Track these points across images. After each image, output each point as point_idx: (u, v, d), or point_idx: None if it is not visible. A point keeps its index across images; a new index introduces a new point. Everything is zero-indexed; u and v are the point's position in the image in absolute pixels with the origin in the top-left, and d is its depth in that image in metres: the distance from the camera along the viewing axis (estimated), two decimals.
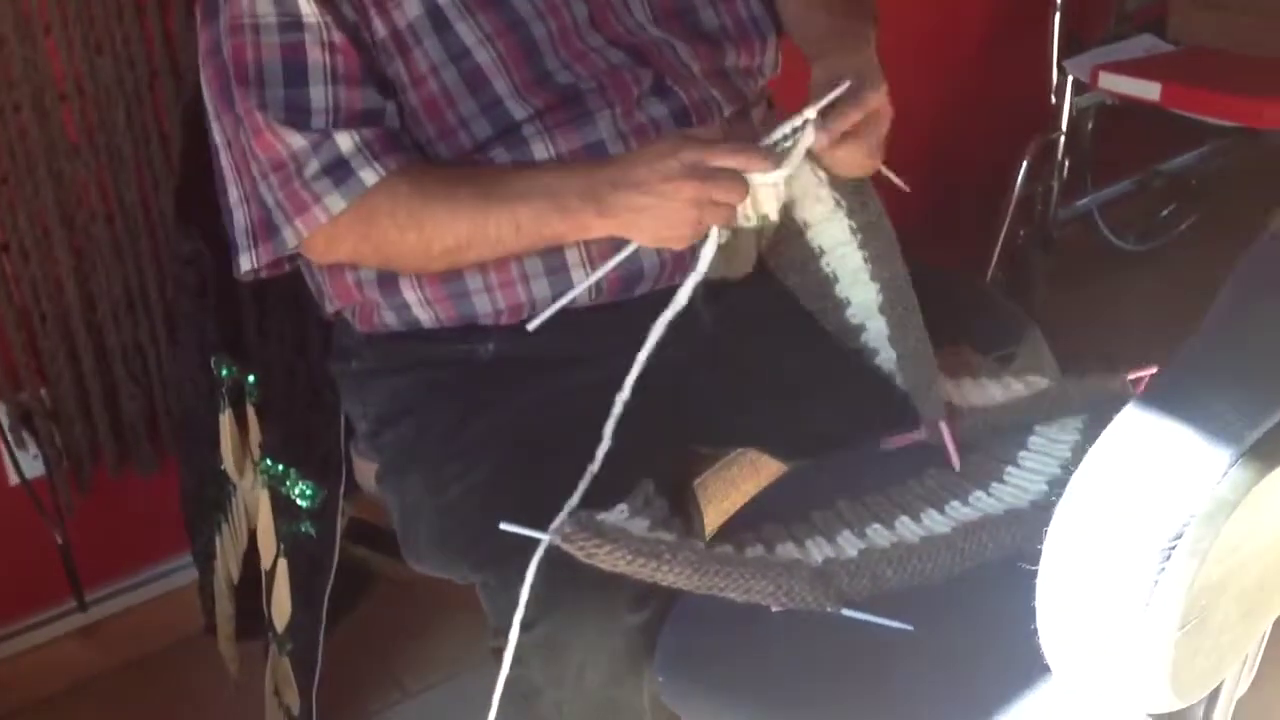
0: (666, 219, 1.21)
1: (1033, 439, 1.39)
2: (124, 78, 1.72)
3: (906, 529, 1.29)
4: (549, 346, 1.38)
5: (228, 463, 1.62)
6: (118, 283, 1.80)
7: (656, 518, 1.25)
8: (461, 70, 1.32)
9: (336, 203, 1.29)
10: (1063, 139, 2.70)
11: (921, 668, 1.18)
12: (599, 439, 1.33)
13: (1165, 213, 3.10)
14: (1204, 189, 3.08)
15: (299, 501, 1.58)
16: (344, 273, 1.41)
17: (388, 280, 1.39)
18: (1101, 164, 2.91)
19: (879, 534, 1.28)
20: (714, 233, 1.24)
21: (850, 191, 1.35)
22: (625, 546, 1.18)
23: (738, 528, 1.32)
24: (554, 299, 1.36)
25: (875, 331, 1.42)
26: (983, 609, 1.22)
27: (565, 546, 1.17)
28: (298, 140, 1.28)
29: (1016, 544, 1.25)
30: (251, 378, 1.57)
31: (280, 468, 1.58)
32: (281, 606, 1.61)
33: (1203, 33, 2.69)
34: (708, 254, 1.24)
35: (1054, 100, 2.69)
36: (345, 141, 1.28)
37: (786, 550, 1.26)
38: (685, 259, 1.38)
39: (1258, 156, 3.00)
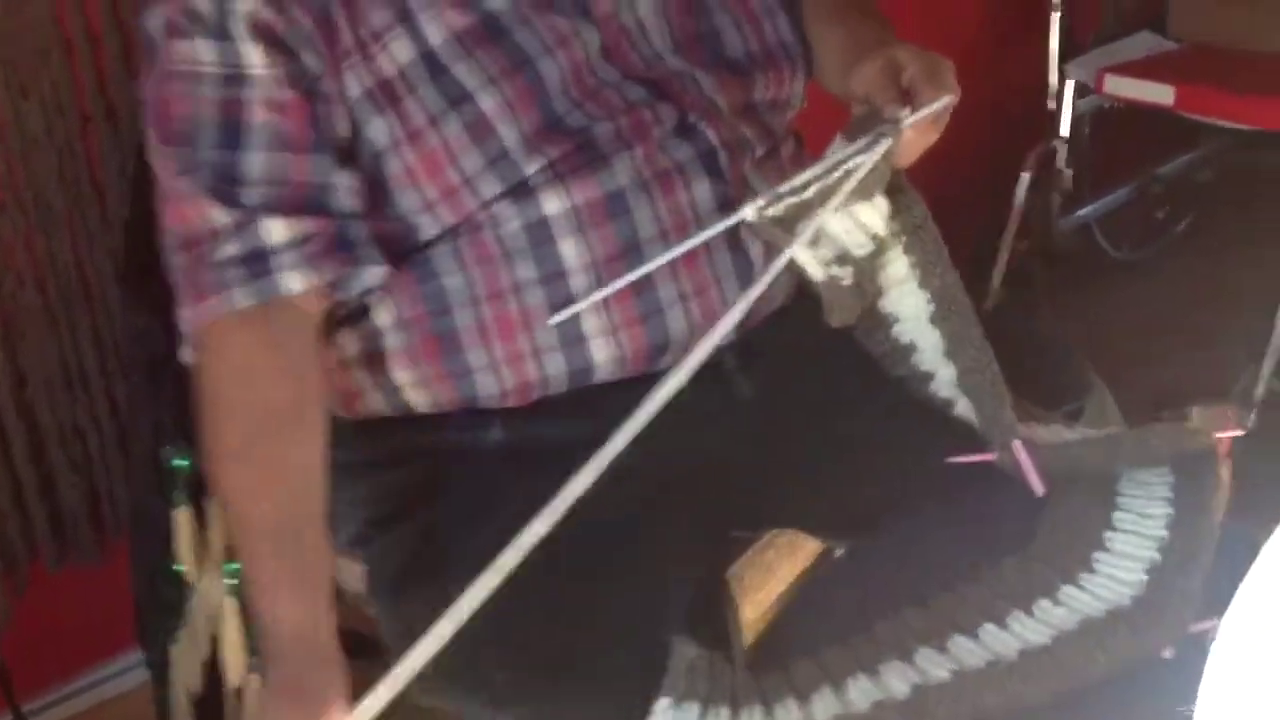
0: None
1: (1117, 514, 1.21)
2: (53, 125, 1.52)
3: (996, 640, 1.10)
4: (565, 431, 1.19)
5: (184, 563, 1.42)
6: (52, 356, 1.59)
7: (703, 692, 1.07)
8: (464, 119, 1.12)
9: (242, 298, 1.08)
10: (1064, 147, 2.54)
11: None
12: (630, 537, 1.15)
13: (1160, 216, 2.95)
14: (1197, 192, 2.94)
15: None
16: (324, 351, 1.21)
17: (375, 357, 1.20)
18: (1093, 170, 2.75)
19: (966, 650, 1.09)
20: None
21: (892, 191, 1.16)
22: None
23: (790, 650, 1.13)
24: (570, 376, 1.18)
25: (930, 348, 1.25)
26: None
27: None
28: (220, 216, 1.08)
29: (1128, 651, 1.08)
30: None
31: None
32: None
33: (1206, 29, 2.54)
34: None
35: (1052, 105, 2.53)
36: (277, 230, 1.09)
37: (861, 688, 1.07)
38: (716, 314, 1.20)
39: (1250, 157, 2.86)
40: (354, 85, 1.11)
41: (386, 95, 1.12)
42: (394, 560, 1.22)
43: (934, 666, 1.08)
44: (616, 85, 1.19)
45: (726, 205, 1.20)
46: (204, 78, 1.08)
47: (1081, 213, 2.70)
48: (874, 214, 1.11)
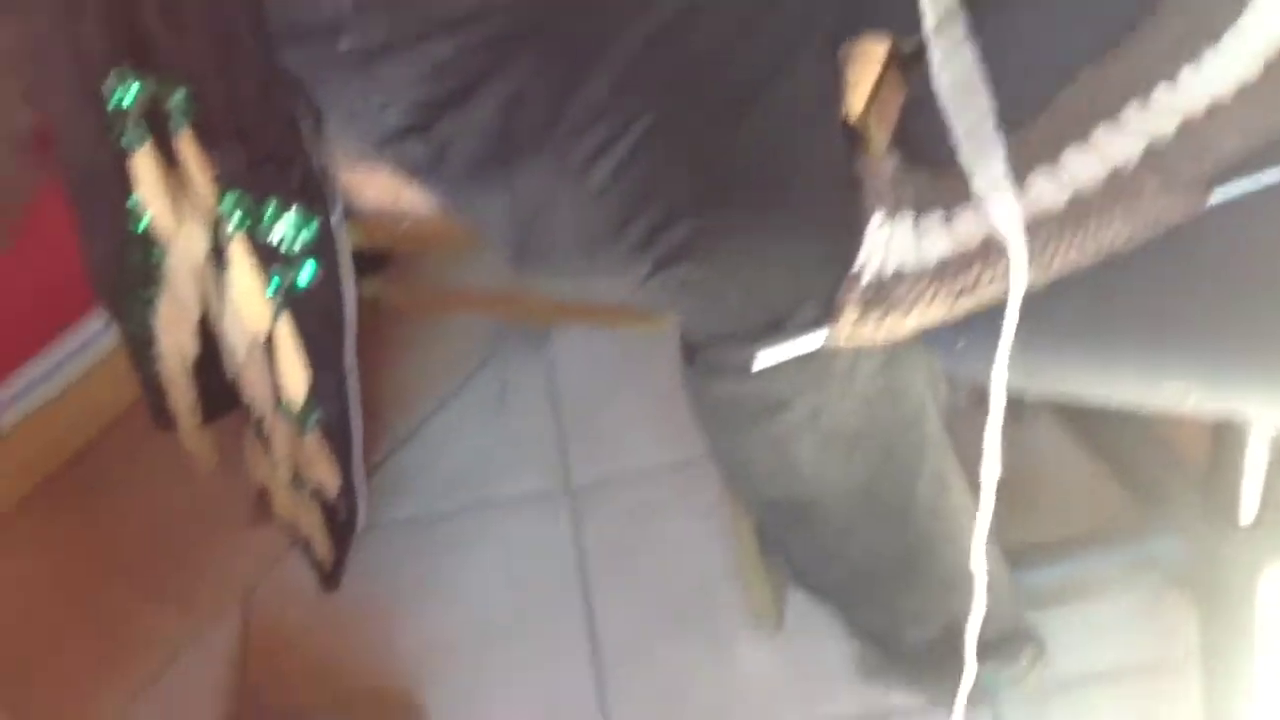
0: None
1: None
2: None
3: (1184, 96, 0.99)
4: None
5: (155, 217, 1.19)
6: None
7: (911, 199, 0.96)
8: None
9: None
10: None
11: None
12: (785, 35, 0.99)
13: None
14: None
15: (289, 242, 1.17)
16: None
17: None
18: None
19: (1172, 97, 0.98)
20: None
21: None
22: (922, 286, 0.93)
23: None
24: None
25: None
26: None
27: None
28: None
29: None
30: (181, 91, 1.12)
31: (251, 202, 1.16)
32: (294, 376, 1.23)
33: None
34: None
35: None
36: None
37: (1104, 138, 0.95)
38: None
39: None
40: None
41: None
42: (481, 135, 1.00)
43: (1149, 124, 0.97)
44: None
45: None
46: None
47: None
48: None
